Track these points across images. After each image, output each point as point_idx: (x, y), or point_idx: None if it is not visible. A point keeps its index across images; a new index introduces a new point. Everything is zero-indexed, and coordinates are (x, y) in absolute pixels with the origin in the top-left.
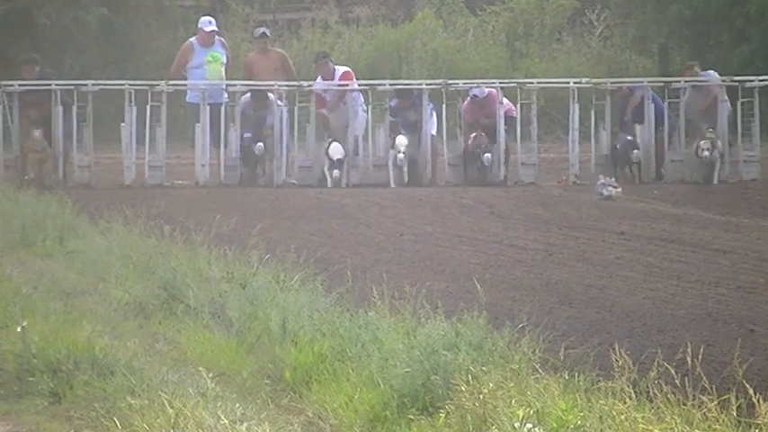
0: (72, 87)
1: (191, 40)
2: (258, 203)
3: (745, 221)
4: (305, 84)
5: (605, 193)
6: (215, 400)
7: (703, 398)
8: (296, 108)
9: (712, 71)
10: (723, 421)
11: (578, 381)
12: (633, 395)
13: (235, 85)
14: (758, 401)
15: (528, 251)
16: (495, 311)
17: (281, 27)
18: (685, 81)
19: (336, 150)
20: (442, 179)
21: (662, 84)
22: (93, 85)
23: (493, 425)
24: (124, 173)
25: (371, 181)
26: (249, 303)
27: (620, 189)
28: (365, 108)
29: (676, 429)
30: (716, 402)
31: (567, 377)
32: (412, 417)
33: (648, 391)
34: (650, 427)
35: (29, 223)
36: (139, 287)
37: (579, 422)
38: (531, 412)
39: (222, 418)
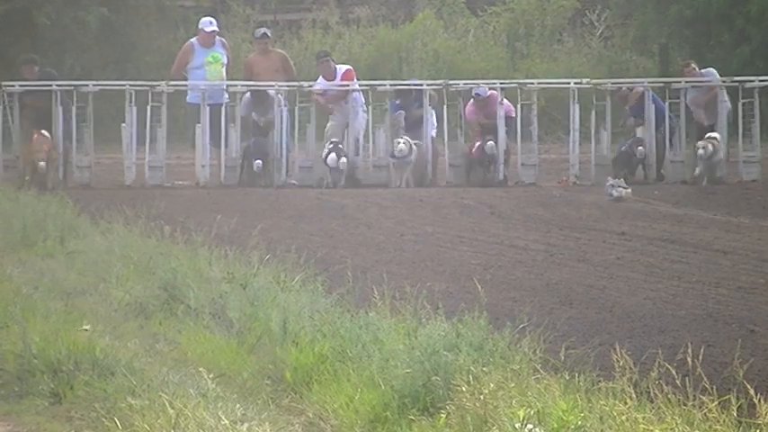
0: (72, 88)
1: (191, 40)
2: (258, 204)
3: (745, 222)
4: (305, 84)
5: (615, 194)
6: (216, 401)
7: (704, 398)
8: (296, 108)
9: (712, 69)
10: (723, 421)
11: (579, 381)
12: (634, 395)
13: (235, 86)
14: (759, 402)
15: (528, 252)
16: (495, 312)
17: (281, 28)
18: (686, 81)
19: (332, 160)
20: (443, 180)
21: (662, 84)
22: (93, 85)
23: (494, 425)
24: (124, 173)
25: (372, 181)
26: (250, 304)
27: (629, 190)
28: (365, 109)
29: (677, 430)
30: (716, 403)
31: (567, 377)
32: (413, 417)
33: (649, 392)
34: (651, 428)
35: (29, 223)
36: (140, 287)
37: (580, 422)
38: (532, 413)
39: (223, 418)
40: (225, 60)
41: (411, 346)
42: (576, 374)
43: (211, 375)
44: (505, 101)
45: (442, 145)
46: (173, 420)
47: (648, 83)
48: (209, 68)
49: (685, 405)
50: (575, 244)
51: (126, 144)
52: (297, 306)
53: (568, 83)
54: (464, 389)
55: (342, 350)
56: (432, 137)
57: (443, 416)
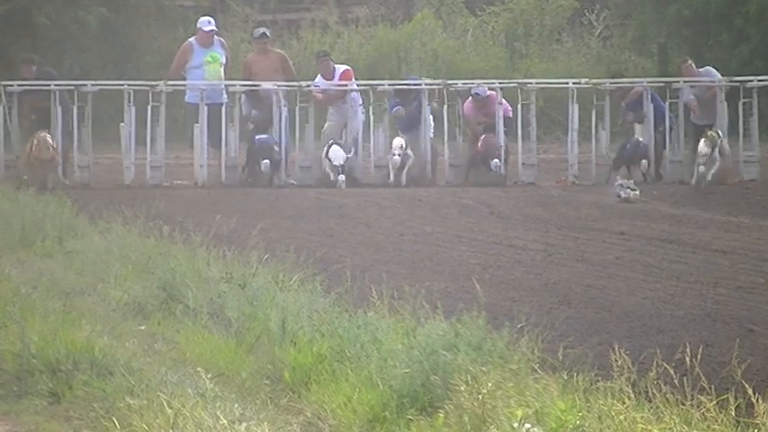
0: (72, 88)
1: (190, 40)
2: (257, 204)
3: (744, 221)
4: (304, 84)
5: (623, 194)
6: (214, 401)
7: (702, 398)
8: (297, 108)
9: (710, 67)
10: (722, 421)
11: (577, 381)
12: (632, 395)
13: (234, 86)
14: (757, 401)
15: (527, 251)
16: (494, 312)
17: (280, 27)
18: (684, 81)
19: (337, 156)
20: (442, 179)
21: (662, 84)
22: (92, 85)
23: (492, 425)
24: (123, 173)
25: (371, 181)
26: (248, 304)
27: (637, 192)
28: (363, 109)
29: (675, 429)
30: (715, 402)
31: (566, 377)
32: (411, 417)
33: (647, 392)
34: (649, 427)
35: (28, 223)
36: (138, 287)
37: (578, 422)
38: (530, 412)
39: (221, 418)
40: (223, 60)
41: (409, 345)
42: (575, 374)
43: (210, 375)
44: (504, 101)
45: (441, 145)
46: (171, 420)
47: (648, 82)
48: (207, 68)
49: (684, 405)
50: (573, 244)
51: (125, 144)
52: (295, 306)
53: (567, 83)
54: (462, 388)
55: (340, 350)
56: (430, 137)
57: (442, 415)
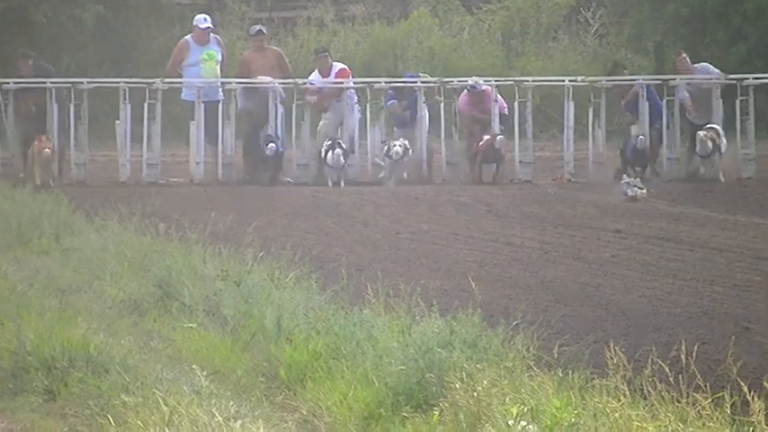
0: (68, 85)
1: (186, 37)
2: (254, 201)
3: (741, 220)
4: (300, 81)
5: (630, 193)
6: (209, 398)
7: (697, 396)
8: (293, 106)
9: (706, 63)
10: (717, 419)
11: (572, 378)
12: (627, 393)
13: (230, 83)
14: (752, 399)
15: (524, 249)
16: (490, 309)
17: (276, 25)
18: (680, 79)
19: (336, 160)
20: (438, 177)
21: (659, 82)
22: (88, 82)
23: (487, 422)
24: (119, 170)
25: (367, 179)
26: (244, 301)
27: (644, 190)
28: (359, 108)
29: (670, 427)
30: (710, 400)
31: (561, 375)
32: (406, 414)
33: (643, 389)
34: (644, 425)
35: (25, 221)
36: (134, 285)
37: (573, 420)
38: (526, 410)
39: (216, 415)
40: (219, 58)
41: (405, 343)
42: (570, 372)
43: (205, 372)
44: (499, 97)
45: (437, 143)
46: (166, 417)
47: (644, 80)
48: (203, 66)
49: (679, 402)
50: (570, 242)
51: (120, 141)
52: (291, 303)
53: (563, 80)
54: (458, 386)
55: (336, 347)
56: (426, 134)
57: (437, 413)
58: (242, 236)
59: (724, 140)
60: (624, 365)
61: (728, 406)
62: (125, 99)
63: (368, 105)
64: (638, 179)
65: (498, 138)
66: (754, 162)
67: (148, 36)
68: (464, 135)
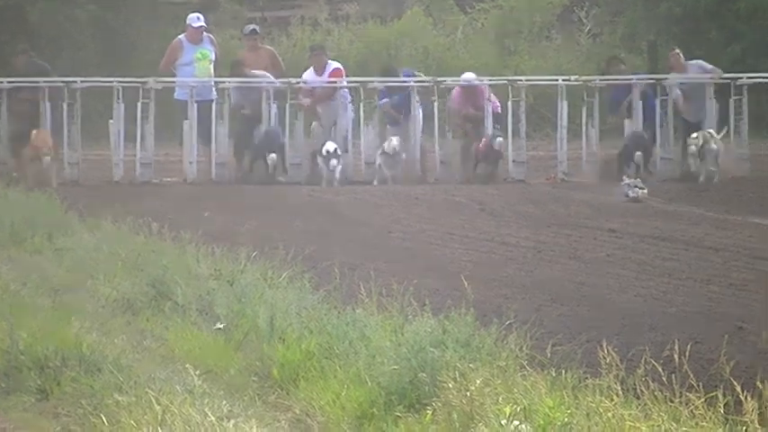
0: (62, 84)
1: (179, 37)
2: (247, 201)
3: (736, 219)
4: (293, 81)
5: (631, 194)
6: (202, 397)
7: (691, 395)
8: (287, 105)
9: (700, 61)
10: (710, 419)
11: (566, 378)
12: (620, 392)
13: (224, 83)
14: (745, 399)
15: (518, 249)
16: (483, 309)
17: (270, 24)
18: (673, 77)
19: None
20: (432, 176)
21: (653, 81)
22: (81, 82)
23: (480, 422)
24: (113, 170)
25: (361, 178)
26: (237, 301)
27: (646, 190)
28: (353, 107)
29: (663, 426)
30: (703, 400)
31: (554, 374)
32: (399, 414)
33: (636, 389)
34: (637, 425)
35: (18, 220)
36: (128, 284)
37: (566, 419)
38: (519, 409)
39: (209, 414)
40: (213, 57)
41: (398, 342)
42: (563, 371)
43: (198, 372)
44: (493, 96)
45: (431, 142)
46: (159, 417)
47: (637, 80)
48: (197, 65)
49: (672, 402)
50: (564, 241)
51: (114, 141)
52: (284, 303)
53: (557, 80)
54: (450, 385)
55: (329, 347)
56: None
57: (430, 412)
58: (235, 235)
59: (718, 140)
60: (617, 365)
61: (722, 405)
62: (118, 98)
63: (361, 105)
64: (639, 179)
65: (498, 140)
66: (748, 161)
67: (142, 35)
68: (457, 134)
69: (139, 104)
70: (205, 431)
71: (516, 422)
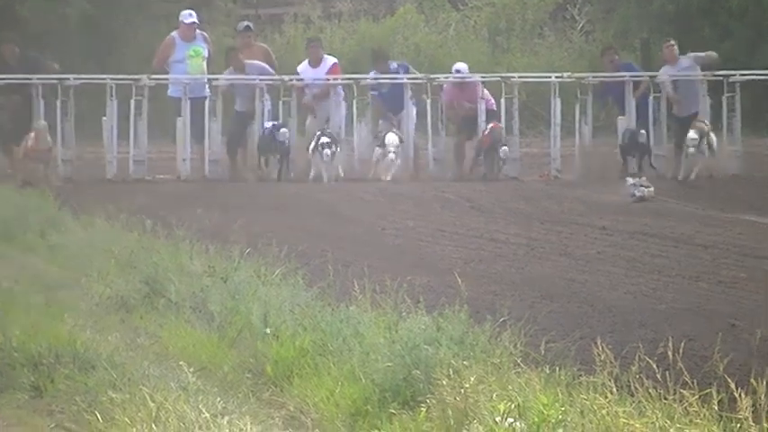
0: (55, 81)
1: (172, 34)
2: (240, 198)
3: (726, 216)
4: (287, 78)
5: (638, 194)
6: (196, 394)
7: (684, 392)
8: (280, 103)
9: (692, 54)
10: (704, 416)
11: (559, 375)
12: (614, 389)
13: (217, 80)
14: (739, 396)
15: (509, 246)
16: (476, 306)
17: (263, 22)
18: (664, 73)
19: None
20: (424, 173)
21: (645, 78)
22: (74, 79)
23: (474, 419)
24: (106, 167)
25: (354, 175)
26: (231, 298)
27: (651, 189)
28: (347, 103)
29: (657, 424)
30: (697, 397)
31: (548, 371)
32: (393, 411)
33: (630, 386)
34: (631, 422)
35: (10, 217)
36: (121, 281)
37: (560, 416)
38: (513, 406)
39: (203, 411)
40: (206, 54)
41: (391, 339)
42: (557, 368)
43: (192, 369)
44: (486, 93)
45: (423, 139)
46: (153, 414)
47: (630, 77)
48: (190, 62)
49: (666, 399)
50: (556, 238)
51: (107, 138)
52: (278, 300)
53: (550, 77)
54: (444, 383)
55: (322, 344)
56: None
57: (424, 410)
58: (228, 232)
59: (713, 136)
60: (611, 362)
61: (716, 402)
62: (111, 96)
63: (354, 102)
64: (643, 177)
65: (499, 129)
66: (740, 159)
67: (135, 33)
68: (451, 131)
69: (133, 102)
70: (199, 428)
71: (510, 419)
